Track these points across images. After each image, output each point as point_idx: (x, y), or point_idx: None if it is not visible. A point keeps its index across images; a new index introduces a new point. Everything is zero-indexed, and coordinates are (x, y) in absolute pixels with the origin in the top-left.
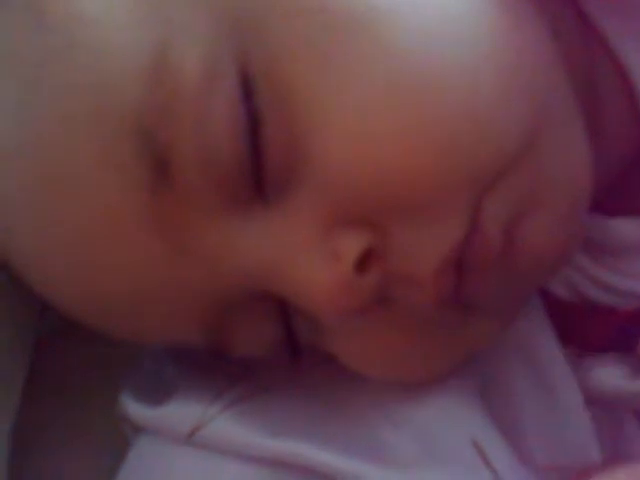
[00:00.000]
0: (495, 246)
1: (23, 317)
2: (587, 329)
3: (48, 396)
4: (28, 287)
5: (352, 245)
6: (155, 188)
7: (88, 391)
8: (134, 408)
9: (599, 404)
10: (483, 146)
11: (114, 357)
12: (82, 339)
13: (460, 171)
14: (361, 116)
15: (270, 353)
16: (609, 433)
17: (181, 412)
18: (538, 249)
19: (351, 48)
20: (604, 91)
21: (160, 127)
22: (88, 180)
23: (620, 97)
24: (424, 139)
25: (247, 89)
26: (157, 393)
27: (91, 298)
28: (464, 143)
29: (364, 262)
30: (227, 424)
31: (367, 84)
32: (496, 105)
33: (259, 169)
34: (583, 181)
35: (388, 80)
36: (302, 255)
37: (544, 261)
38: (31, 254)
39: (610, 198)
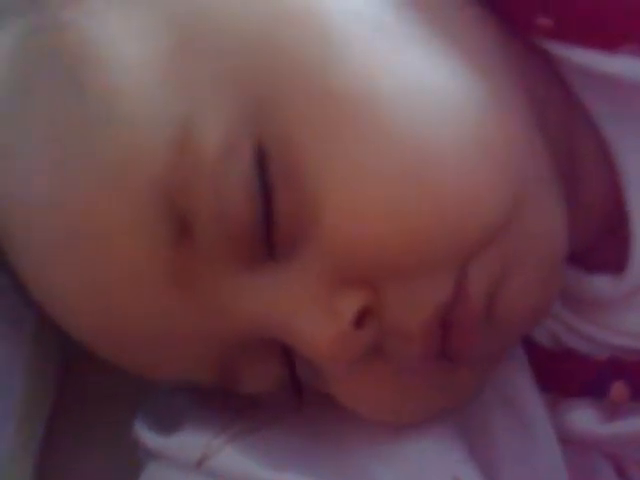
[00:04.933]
0: (478, 307)
1: (48, 343)
2: (565, 375)
3: (68, 419)
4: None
5: (351, 304)
6: (177, 247)
7: (104, 413)
8: (146, 435)
9: (573, 446)
10: (468, 223)
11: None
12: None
13: (446, 244)
14: (360, 192)
15: (275, 391)
16: (582, 475)
17: (189, 442)
18: (519, 308)
19: (352, 130)
20: (583, 158)
21: (182, 195)
22: (116, 238)
23: (598, 164)
24: (416, 218)
25: (261, 164)
26: (168, 422)
27: (109, 339)
28: (450, 220)
29: (361, 319)
30: (232, 456)
31: (364, 164)
32: (481, 183)
33: (270, 234)
34: (560, 245)
35: (382, 162)
36: (306, 310)
37: (524, 318)
38: (57, 296)
39: (589, 255)
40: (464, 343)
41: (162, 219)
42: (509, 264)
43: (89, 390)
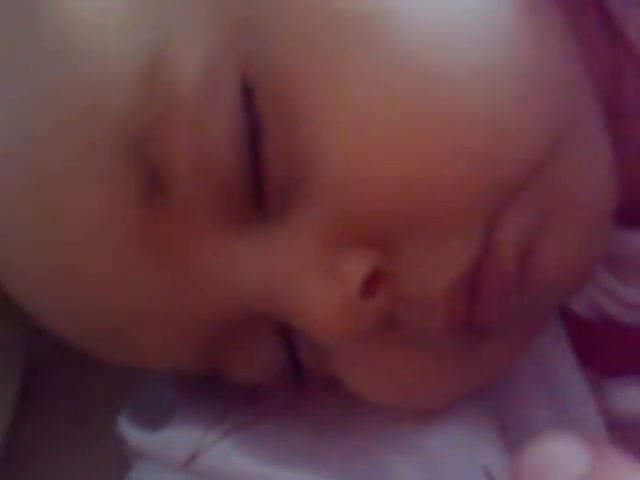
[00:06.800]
0: (510, 268)
1: (14, 335)
2: (609, 349)
3: (42, 417)
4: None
5: (358, 267)
6: (146, 202)
7: (84, 413)
8: (131, 432)
9: (619, 429)
10: (499, 158)
11: (111, 378)
12: (79, 359)
13: (474, 184)
14: (368, 124)
15: (272, 379)
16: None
17: (179, 438)
18: (556, 270)
19: (358, 50)
20: (629, 98)
21: (153, 137)
22: (75, 192)
23: None
24: (436, 150)
25: (248, 97)
26: (155, 417)
27: (78, 319)
28: (478, 155)
29: (371, 285)
30: (225, 452)
31: (375, 89)
32: (513, 113)
33: (259, 182)
34: (606, 198)
35: (397, 85)
36: (304, 276)
37: (562, 282)
38: (17, 268)
39: (634, 210)
40: (493, 310)
41: (129, 170)
42: (545, 217)
43: (62, 386)
